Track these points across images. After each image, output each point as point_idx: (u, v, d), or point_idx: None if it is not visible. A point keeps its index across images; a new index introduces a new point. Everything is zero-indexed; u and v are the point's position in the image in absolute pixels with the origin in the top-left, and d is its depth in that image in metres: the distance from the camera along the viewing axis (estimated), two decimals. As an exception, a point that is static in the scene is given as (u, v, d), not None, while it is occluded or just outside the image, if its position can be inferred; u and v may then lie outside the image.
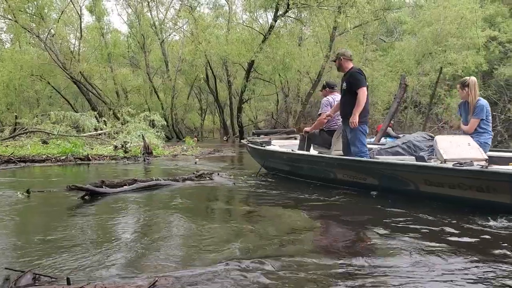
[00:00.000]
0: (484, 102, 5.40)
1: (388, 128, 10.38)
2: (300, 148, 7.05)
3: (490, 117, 5.49)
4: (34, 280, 2.46)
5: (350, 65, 5.87)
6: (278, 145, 8.21)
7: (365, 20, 21.30)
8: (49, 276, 2.51)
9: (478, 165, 4.20)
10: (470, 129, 5.34)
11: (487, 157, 4.87)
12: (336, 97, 6.66)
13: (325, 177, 6.11)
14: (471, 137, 5.19)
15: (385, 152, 6.01)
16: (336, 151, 6.35)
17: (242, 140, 9.86)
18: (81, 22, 28.60)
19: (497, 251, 2.94)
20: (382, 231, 3.57)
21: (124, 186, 5.80)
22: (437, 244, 3.14)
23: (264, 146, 7.69)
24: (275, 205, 5.00)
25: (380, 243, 3.28)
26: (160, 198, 5.54)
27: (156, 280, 2.39)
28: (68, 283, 2.39)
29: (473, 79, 5.49)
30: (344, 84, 5.84)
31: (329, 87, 6.89)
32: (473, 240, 3.25)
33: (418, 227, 3.64)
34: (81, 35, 28.96)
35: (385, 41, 27.20)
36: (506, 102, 15.11)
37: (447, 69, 18.95)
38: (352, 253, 3.03)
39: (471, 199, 4.18)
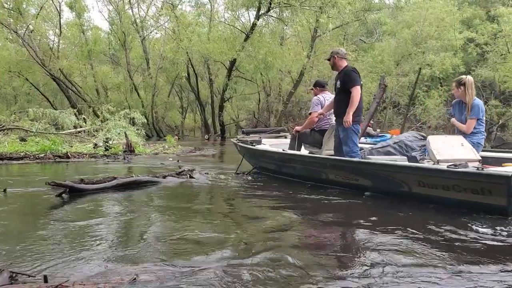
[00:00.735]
0: (479, 102, 5.34)
1: (368, 128, 10.50)
2: (291, 147, 6.97)
3: (484, 118, 5.44)
4: (11, 279, 2.45)
5: (344, 63, 5.82)
6: (268, 144, 8.10)
7: (346, 21, 21.51)
8: (26, 274, 2.50)
9: (473, 166, 4.14)
10: (468, 129, 5.26)
11: (480, 158, 4.81)
12: (326, 96, 6.62)
13: (316, 177, 6.08)
14: (465, 137, 5.12)
15: (377, 152, 5.92)
16: (327, 151, 6.31)
17: (231, 139, 9.80)
18: (60, 18, 28.21)
19: (488, 254, 2.93)
20: (367, 230, 3.62)
21: (105, 183, 5.75)
22: (419, 244, 3.21)
23: (254, 145, 7.61)
24: (259, 204, 4.99)
25: (366, 242, 3.34)
26: (141, 196, 5.52)
27: (136, 275, 2.41)
28: (45, 280, 2.39)
29: (469, 78, 5.38)
30: (338, 83, 5.79)
31: (319, 86, 6.83)
32: (463, 242, 3.23)
33: (409, 228, 3.59)
34: (61, 32, 28.54)
35: (365, 42, 27.49)
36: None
37: (425, 70, 19.25)
38: (334, 252, 3.08)
39: (465, 201, 4.13)
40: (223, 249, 3.04)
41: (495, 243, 3.17)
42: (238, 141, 8.44)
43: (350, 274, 2.58)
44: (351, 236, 3.54)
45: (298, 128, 7.00)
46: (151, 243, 3.27)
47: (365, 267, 2.68)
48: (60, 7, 28.05)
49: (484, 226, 3.59)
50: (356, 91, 5.52)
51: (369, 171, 5.19)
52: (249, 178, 7.11)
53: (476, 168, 4.03)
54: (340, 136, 5.82)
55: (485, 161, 5.05)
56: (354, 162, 5.42)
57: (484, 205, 3.98)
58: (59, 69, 26.61)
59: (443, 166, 4.36)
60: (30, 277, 2.47)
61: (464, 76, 5.47)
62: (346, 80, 5.64)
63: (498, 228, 3.54)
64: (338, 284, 2.42)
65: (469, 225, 3.65)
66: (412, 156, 5.12)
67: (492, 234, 3.39)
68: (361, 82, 5.75)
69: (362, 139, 8.45)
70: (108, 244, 3.24)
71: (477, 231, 3.46)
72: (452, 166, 4.18)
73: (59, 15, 28.03)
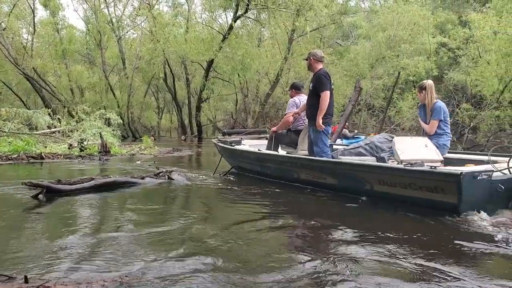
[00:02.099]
0: (441, 104, 5.61)
1: (344, 130, 10.67)
2: (268, 147, 7.10)
3: (448, 119, 5.69)
4: (-9, 279, 2.45)
5: (319, 66, 5.92)
6: (248, 144, 8.22)
7: (322, 24, 21.73)
8: (5, 275, 2.50)
9: (427, 165, 4.32)
10: (431, 130, 5.51)
11: (442, 159, 5.04)
12: (302, 98, 6.75)
13: (289, 176, 6.22)
14: (431, 138, 5.38)
15: (349, 153, 6.13)
16: (302, 151, 6.45)
17: (213, 139, 9.82)
18: (34, 16, 27.64)
19: (443, 249, 3.14)
20: (333, 228, 3.73)
21: (83, 184, 5.71)
22: (374, 240, 3.33)
23: (234, 146, 7.71)
24: (235, 204, 5.10)
25: (335, 239, 3.44)
26: (119, 197, 5.52)
27: (121, 278, 2.45)
28: (26, 281, 2.41)
29: (429, 82, 5.70)
30: (311, 85, 5.93)
31: (296, 89, 6.97)
32: (421, 238, 3.42)
33: (377, 227, 3.79)
34: (35, 30, 27.99)
35: (341, 45, 27.77)
36: (455, 106, 15.82)
37: (403, 73, 19.62)
38: (300, 251, 3.17)
39: (422, 199, 4.32)
40: (199, 251, 3.10)
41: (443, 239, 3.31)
42: (218, 141, 8.52)
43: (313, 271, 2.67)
44: (317, 235, 3.65)
45: (274, 128, 7.14)
46: (129, 244, 3.30)
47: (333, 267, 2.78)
48: (34, 5, 27.49)
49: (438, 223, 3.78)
50: (324, 96, 5.65)
51: (335, 170, 5.38)
52: (227, 178, 7.18)
53: (429, 167, 4.21)
54: (311, 137, 5.98)
55: (450, 162, 5.29)
56: (321, 161, 5.60)
57: (438, 203, 4.17)
58: (33, 68, 26.08)
59: (400, 165, 4.57)
60: (10, 278, 2.48)
61: (425, 81, 5.77)
62: (316, 84, 5.78)
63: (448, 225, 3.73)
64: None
65: (428, 221, 3.84)
66: (381, 157, 5.29)
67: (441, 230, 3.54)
68: (332, 87, 5.88)
69: (338, 141, 8.63)
70: (87, 246, 3.25)
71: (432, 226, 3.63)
72: (408, 165, 4.37)
73: (33, 13, 27.48)
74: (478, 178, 3.92)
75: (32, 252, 3.07)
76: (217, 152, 8.72)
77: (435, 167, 4.23)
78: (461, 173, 3.87)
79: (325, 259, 2.89)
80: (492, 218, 3.88)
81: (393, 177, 4.60)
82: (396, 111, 19.36)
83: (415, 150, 4.98)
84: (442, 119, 5.51)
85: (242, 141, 8.47)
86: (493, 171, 4.09)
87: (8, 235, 3.59)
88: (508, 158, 4.38)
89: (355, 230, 3.62)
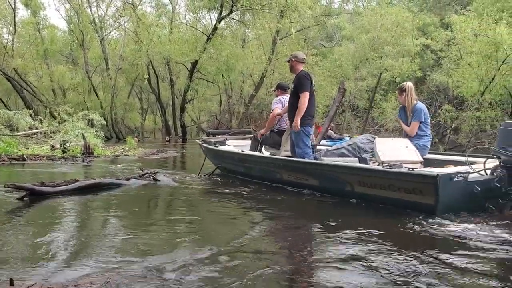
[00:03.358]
0: (421, 105, 5.63)
1: (330, 131, 10.73)
2: (252, 148, 7.11)
3: (429, 120, 5.72)
4: (-25, 282, 2.42)
5: (300, 67, 5.96)
6: (233, 145, 8.19)
7: (306, 25, 21.84)
8: (-9, 278, 2.47)
9: (405, 167, 4.34)
10: (412, 132, 5.54)
11: (422, 160, 5.10)
12: (287, 98, 6.72)
13: (272, 177, 6.23)
14: (411, 140, 5.42)
15: (331, 154, 6.09)
16: (285, 152, 6.44)
17: (197, 140, 9.77)
18: (15, 16, 27.29)
19: (419, 250, 3.14)
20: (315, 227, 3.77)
21: (67, 186, 5.65)
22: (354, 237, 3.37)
23: (218, 146, 7.70)
24: (218, 205, 5.10)
25: (317, 238, 3.48)
26: (103, 199, 5.47)
27: (109, 279, 2.44)
28: (11, 283, 2.38)
29: (409, 84, 5.73)
30: (292, 86, 5.98)
31: (281, 89, 7.01)
32: (399, 240, 3.43)
33: (358, 228, 3.84)
34: (15, 30, 27.61)
35: (325, 46, 27.96)
36: (437, 107, 16.02)
37: (384, 74, 19.82)
38: (283, 250, 3.19)
39: (401, 200, 4.33)
40: (186, 251, 3.10)
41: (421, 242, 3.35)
42: (202, 142, 8.49)
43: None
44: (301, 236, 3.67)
45: (262, 131, 7.13)
46: (114, 245, 3.28)
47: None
48: (15, 5, 27.19)
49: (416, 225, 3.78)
50: (303, 97, 5.68)
51: (316, 171, 5.41)
52: (212, 179, 7.19)
53: (407, 169, 4.24)
54: (292, 138, 6.00)
55: (430, 163, 5.35)
56: (302, 162, 5.62)
57: (416, 204, 4.19)
58: (14, 68, 25.72)
59: (379, 167, 4.60)
60: (-5, 281, 2.45)
61: (405, 83, 5.80)
62: (297, 85, 5.82)
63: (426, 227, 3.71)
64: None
65: (407, 224, 3.84)
66: (363, 157, 5.28)
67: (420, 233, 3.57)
68: (314, 88, 5.91)
69: (323, 141, 8.67)
70: (72, 247, 3.23)
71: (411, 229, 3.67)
72: (387, 167, 4.40)
73: (14, 13, 27.14)
74: (455, 179, 3.95)
75: (17, 254, 3.04)
76: (202, 153, 8.68)
77: (413, 168, 4.25)
78: (437, 174, 3.90)
79: (302, 259, 2.92)
80: (468, 220, 3.89)
81: (372, 178, 4.62)
82: (380, 112, 19.56)
83: (396, 152, 5.02)
84: (423, 120, 5.55)
85: (227, 141, 8.44)
86: (469, 172, 4.12)
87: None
88: (484, 159, 4.42)
89: (333, 230, 3.65)
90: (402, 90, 5.70)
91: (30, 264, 2.82)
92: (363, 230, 3.62)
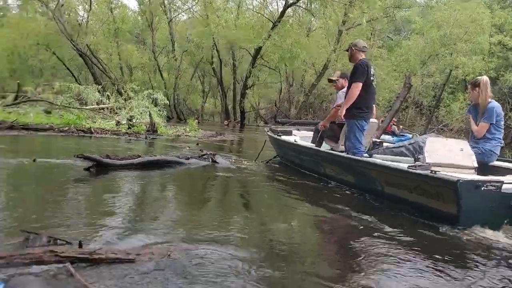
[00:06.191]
0: (495, 104, 4.91)
1: (393, 126, 10.48)
2: (313, 141, 6.87)
3: (502, 123, 4.98)
4: (48, 243, 2.59)
5: (359, 56, 5.62)
6: (299, 136, 8.02)
7: (375, 16, 21.30)
8: (63, 240, 2.63)
9: (431, 170, 3.87)
10: (479, 133, 4.89)
11: (476, 166, 4.43)
12: None
13: (318, 170, 6.16)
14: (477, 142, 4.87)
15: (390, 151, 5.73)
16: (342, 146, 6.13)
17: (265, 128, 9.77)
18: (90, -6, 28.48)
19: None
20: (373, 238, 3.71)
21: (131, 160, 5.87)
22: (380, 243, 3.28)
23: (280, 136, 7.64)
24: (274, 194, 5.13)
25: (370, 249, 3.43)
26: (164, 176, 5.66)
27: (170, 252, 2.54)
28: (80, 246, 2.53)
29: (484, 78, 4.98)
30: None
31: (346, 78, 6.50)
32: (413, 248, 3.13)
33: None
34: (90, 8, 28.81)
35: (392, 39, 27.17)
36: (508, 110, 15.16)
37: (454, 72, 18.98)
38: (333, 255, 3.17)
39: (424, 205, 3.97)
40: (247, 237, 3.15)
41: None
42: (269, 130, 8.52)
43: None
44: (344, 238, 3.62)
45: (322, 123, 6.90)
46: (172, 221, 3.40)
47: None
48: (91, -18, 28.31)
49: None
50: (354, 87, 5.37)
51: (351, 167, 5.23)
52: (270, 166, 7.21)
53: (430, 171, 3.81)
54: (346, 131, 5.77)
55: (495, 170, 4.72)
56: (338, 156, 5.46)
57: (438, 211, 3.81)
58: (86, 45, 26.86)
59: (403, 166, 4.21)
60: (67, 243, 2.61)
61: (479, 77, 5.05)
62: (352, 74, 5.55)
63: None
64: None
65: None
66: (418, 158, 4.81)
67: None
68: (372, 78, 5.54)
69: (388, 137, 8.41)
70: (133, 219, 3.38)
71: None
72: (412, 168, 4.06)
73: (90, -9, 28.31)
74: (483, 188, 3.47)
75: (83, 220, 3.22)
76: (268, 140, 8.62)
77: (435, 171, 3.78)
78: (458, 180, 3.47)
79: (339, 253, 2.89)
80: (496, 236, 3.44)
81: (397, 179, 4.31)
82: (446, 111, 18.81)
83: (447, 153, 4.47)
84: (494, 122, 4.82)
85: (293, 131, 8.37)
86: (503, 182, 3.54)
87: (62, 203, 3.76)
88: None
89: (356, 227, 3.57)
90: (475, 85, 4.96)
91: (95, 230, 2.98)
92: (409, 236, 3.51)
